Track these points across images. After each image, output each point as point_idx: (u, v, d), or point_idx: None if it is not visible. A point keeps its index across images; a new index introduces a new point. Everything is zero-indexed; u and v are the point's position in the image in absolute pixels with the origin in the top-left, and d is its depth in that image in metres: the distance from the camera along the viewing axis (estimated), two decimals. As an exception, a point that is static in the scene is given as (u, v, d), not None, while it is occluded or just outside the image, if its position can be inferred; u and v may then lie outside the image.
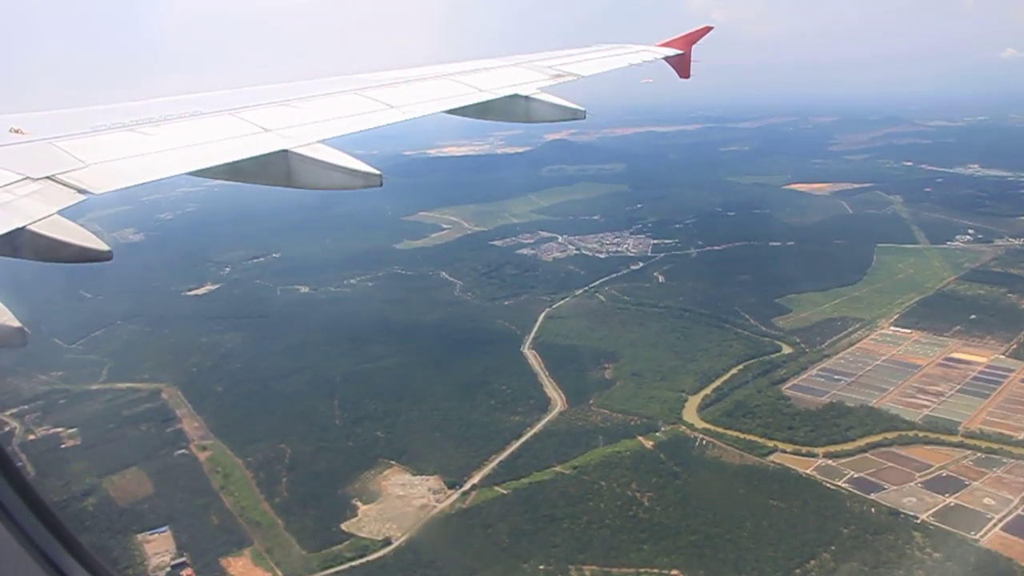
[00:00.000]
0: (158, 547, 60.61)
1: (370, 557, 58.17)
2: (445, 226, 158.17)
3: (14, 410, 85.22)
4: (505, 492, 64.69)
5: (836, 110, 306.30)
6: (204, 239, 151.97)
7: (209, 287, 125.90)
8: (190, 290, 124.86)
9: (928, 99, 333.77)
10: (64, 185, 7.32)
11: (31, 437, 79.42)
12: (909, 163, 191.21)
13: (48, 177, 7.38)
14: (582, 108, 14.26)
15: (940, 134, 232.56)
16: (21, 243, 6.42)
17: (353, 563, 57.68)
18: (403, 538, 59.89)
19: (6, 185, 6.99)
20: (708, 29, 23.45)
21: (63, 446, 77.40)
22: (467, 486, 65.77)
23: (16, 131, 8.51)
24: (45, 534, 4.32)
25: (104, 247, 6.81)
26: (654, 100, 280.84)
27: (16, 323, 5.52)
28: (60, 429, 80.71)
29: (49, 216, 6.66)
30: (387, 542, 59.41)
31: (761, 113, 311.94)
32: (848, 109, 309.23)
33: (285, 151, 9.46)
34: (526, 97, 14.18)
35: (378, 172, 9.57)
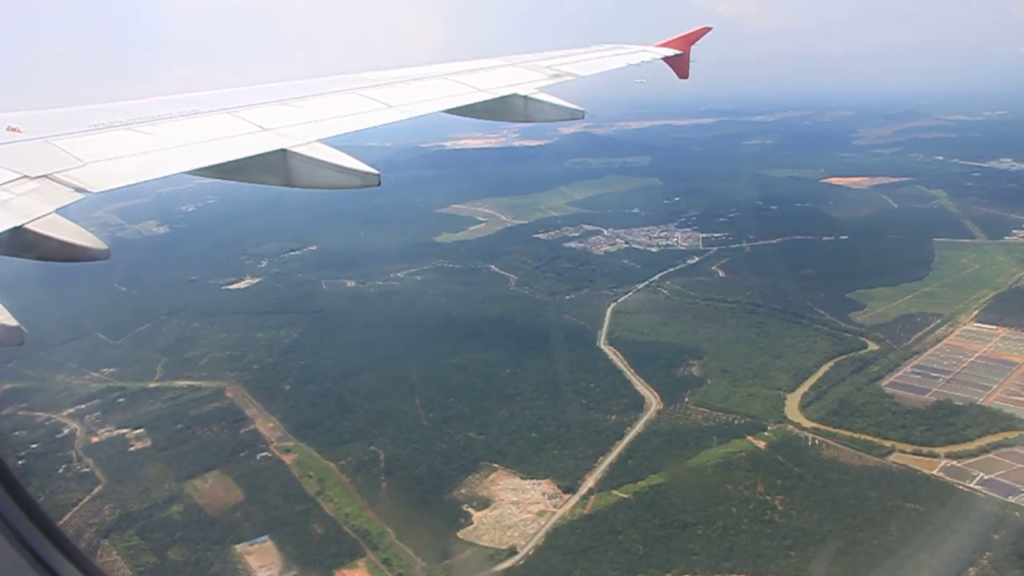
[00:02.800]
0: (262, 559, 56.73)
1: (498, 568, 54.48)
2: (481, 219, 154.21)
3: (70, 410, 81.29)
4: (625, 496, 61.19)
5: (851, 104, 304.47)
6: (232, 231, 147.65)
7: (249, 281, 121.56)
8: (230, 284, 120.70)
9: (943, 93, 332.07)
10: (62, 184, 7.32)
11: (94, 440, 75.23)
12: (940, 157, 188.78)
13: (46, 176, 7.38)
14: (581, 108, 14.24)
15: (963, 128, 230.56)
16: (19, 242, 6.37)
17: (481, 575, 53.90)
18: (529, 547, 56.14)
19: (3, 184, 6.91)
20: (707, 30, 23.53)
21: (131, 449, 73.28)
22: (583, 490, 62.08)
23: (14, 129, 8.43)
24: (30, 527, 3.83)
25: (102, 246, 6.83)
26: (661, 94, 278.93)
27: (12, 321, 5.42)
28: (124, 430, 76.57)
29: (47, 215, 6.64)
30: (512, 551, 55.63)
31: (774, 107, 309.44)
32: (863, 103, 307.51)
33: (283, 150, 9.46)
34: (524, 97, 14.15)
35: (376, 172, 9.54)
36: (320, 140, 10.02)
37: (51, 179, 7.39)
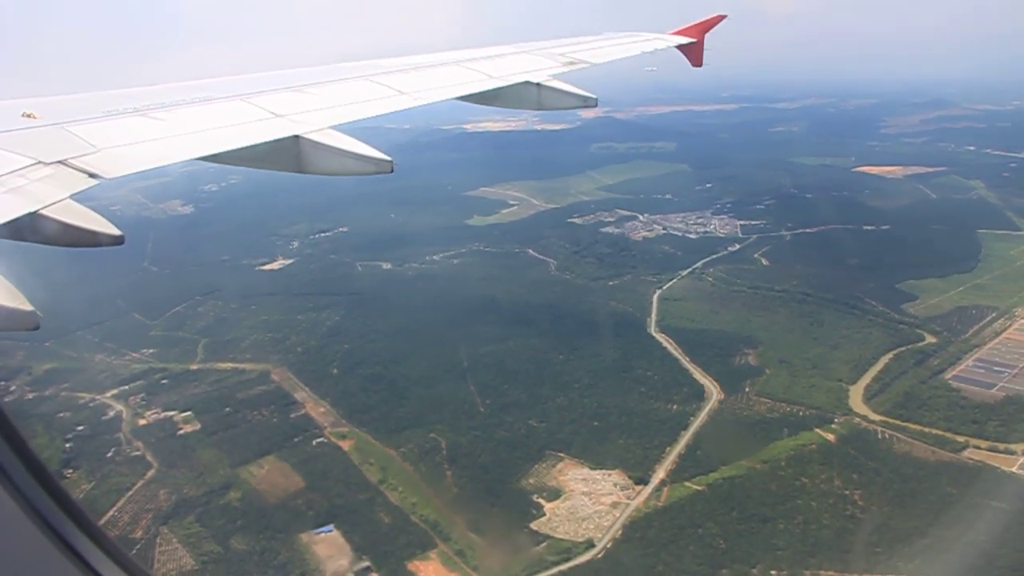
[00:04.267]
0: (330, 549, 55.07)
1: (577, 561, 52.82)
2: (512, 202, 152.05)
3: (114, 391, 79.82)
4: (699, 488, 59.51)
5: (874, 92, 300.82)
6: (259, 212, 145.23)
7: (282, 262, 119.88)
8: (263, 264, 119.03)
9: (965, 81, 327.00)
10: (76, 169, 7.33)
11: (142, 422, 73.70)
12: (972, 147, 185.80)
13: (60, 161, 7.39)
14: (593, 95, 14.10)
15: (992, 118, 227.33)
16: (34, 227, 6.40)
17: (561, 567, 52.24)
18: (606, 539, 54.46)
19: (19, 169, 6.99)
20: (721, 17, 23.20)
21: (180, 432, 71.65)
22: (655, 481, 60.37)
23: (29, 116, 8.47)
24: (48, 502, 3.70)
25: (116, 232, 6.79)
26: (679, 79, 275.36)
27: (28, 306, 5.37)
28: (172, 413, 75.05)
29: (61, 201, 6.67)
30: (590, 544, 53.95)
31: (795, 94, 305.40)
32: (886, 91, 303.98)
33: (296, 137, 9.41)
34: (537, 84, 14.02)
35: (389, 159, 9.50)
36: (333, 127, 9.93)
37: (65, 165, 7.36)
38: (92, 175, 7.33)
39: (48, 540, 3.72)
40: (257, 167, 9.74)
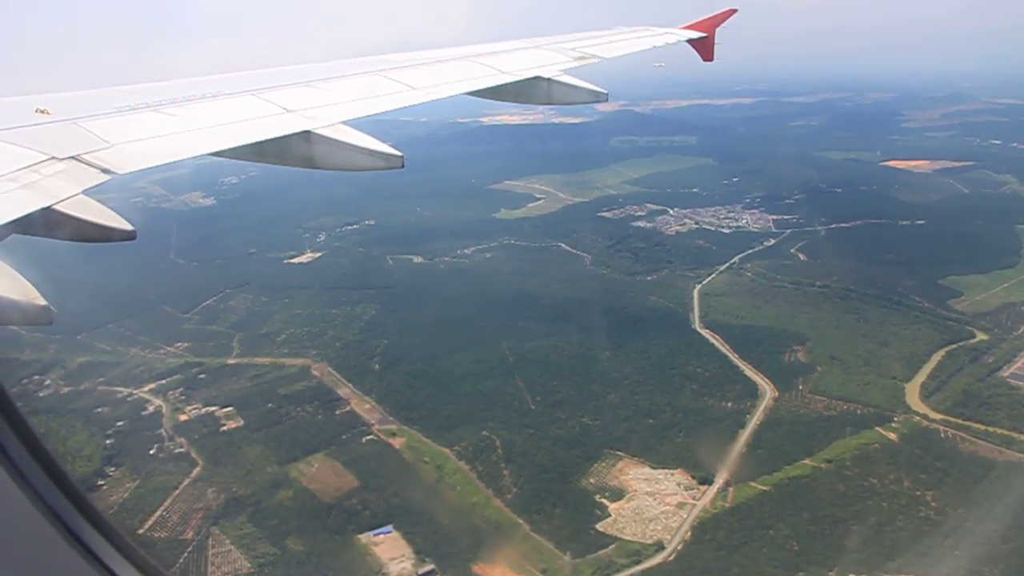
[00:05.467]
0: (390, 550, 53.59)
1: (648, 564, 51.42)
2: (539, 196, 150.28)
3: (151, 385, 78.57)
4: (765, 488, 58.03)
5: (891, 85, 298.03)
6: (282, 204, 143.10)
7: (310, 255, 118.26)
8: (291, 257, 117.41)
9: (981, 74, 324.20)
10: (89, 165, 7.34)
11: (183, 418, 72.28)
12: (998, 141, 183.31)
13: (73, 157, 7.40)
14: (604, 90, 14.10)
15: (1015, 112, 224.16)
16: (48, 222, 6.47)
17: (633, 570, 50.79)
18: (676, 541, 52.97)
19: (32, 165, 6.99)
20: (732, 11, 23.14)
21: (224, 428, 70.14)
22: (719, 481, 58.89)
23: (42, 111, 8.49)
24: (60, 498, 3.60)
25: (128, 227, 7.04)
26: (691, 72, 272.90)
27: (42, 301, 5.47)
28: (213, 408, 73.65)
29: (75, 196, 6.70)
30: (660, 546, 52.46)
31: (811, 87, 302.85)
32: (902, 84, 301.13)
33: (307, 132, 9.41)
34: (548, 79, 14.01)
35: (400, 154, 9.55)
36: (345, 122, 9.90)
37: (78, 160, 7.36)
38: (105, 170, 7.33)
39: (58, 534, 3.50)
40: (269, 162, 9.82)
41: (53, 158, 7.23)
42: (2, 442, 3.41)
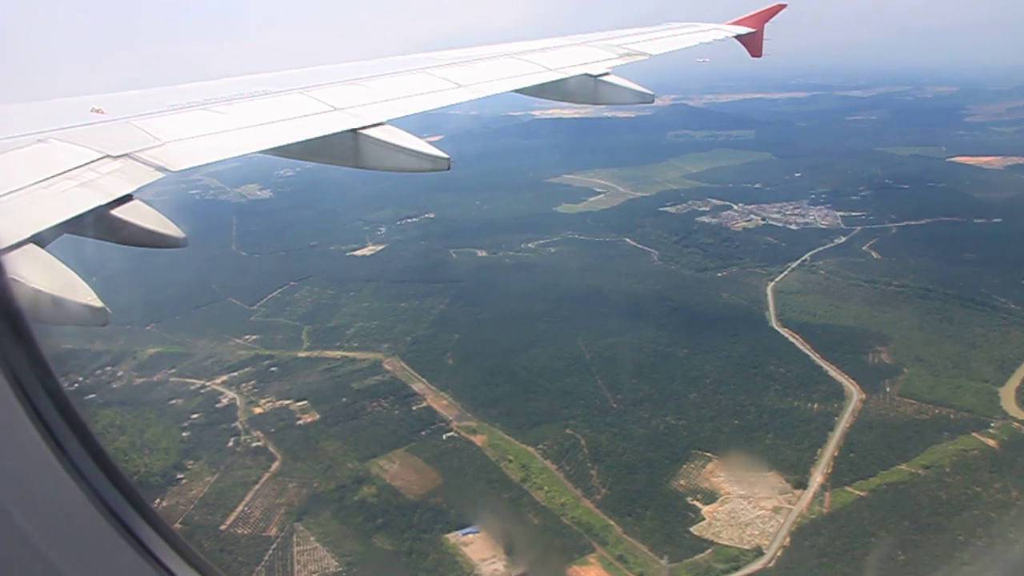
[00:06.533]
0: (480, 551, 52.47)
1: (748, 570, 49.78)
2: (598, 190, 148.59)
3: (223, 377, 78.35)
4: (863, 494, 56.08)
5: (951, 79, 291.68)
6: (338, 196, 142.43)
7: (372, 248, 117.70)
8: (353, 250, 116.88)
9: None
10: (143, 163, 7.48)
11: (257, 411, 71.88)
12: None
13: (127, 155, 7.51)
14: (650, 92, 14.06)
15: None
16: (103, 226, 6.57)
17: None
18: (775, 547, 51.32)
19: (89, 163, 7.13)
20: (781, 6, 22.73)
21: (300, 422, 69.49)
22: (814, 486, 57.08)
23: (97, 111, 8.64)
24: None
25: (180, 234, 6.96)
26: (741, 66, 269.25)
27: (98, 302, 5.52)
28: (287, 402, 73.27)
29: (131, 202, 6.79)
30: (759, 552, 50.86)
31: (867, 81, 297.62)
32: (963, 78, 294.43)
33: (355, 132, 9.43)
34: (595, 79, 13.88)
35: (446, 156, 9.53)
36: (391, 120, 9.91)
37: (132, 158, 7.50)
38: (159, 168, 7.44)
39: (114, 530, 3.48)
40: (316, 161, 9.96)
41: (108, 156, 7.34)
42: (60, 439, 3.29)
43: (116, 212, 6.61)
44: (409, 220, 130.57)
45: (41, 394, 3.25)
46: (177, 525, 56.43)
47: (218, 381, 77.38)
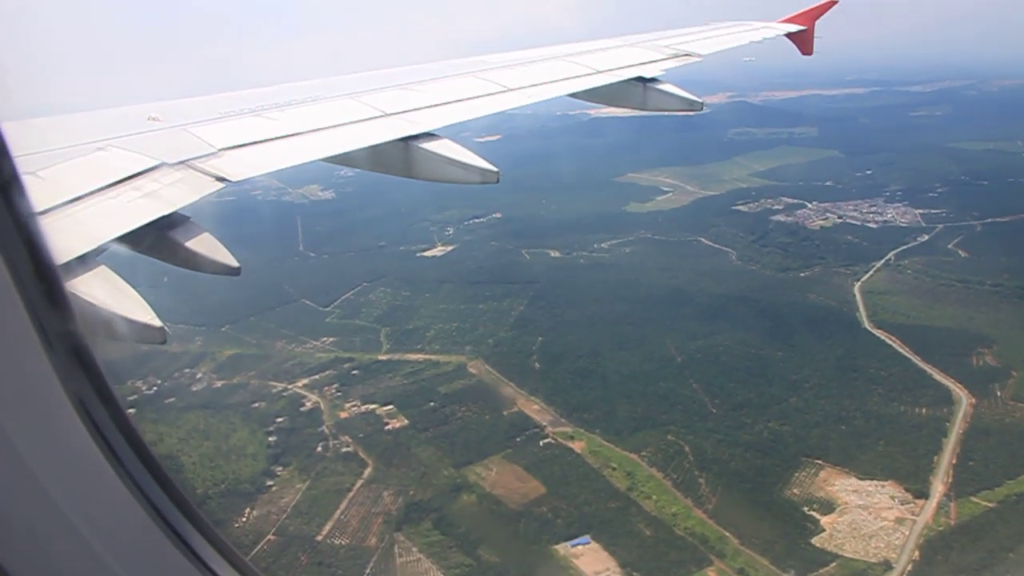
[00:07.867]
0: (593, 563, 50.95)
1: (880, 584, 47.40)
2: (666, 189, 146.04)
3: (304, 380, 77.60)
4: (990, 505, 53.59)
5: (1016, 72, 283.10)
6: (401, 196, 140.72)
7: (442, 248, 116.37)
8: (423, 251, 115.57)
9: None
10: (202, 172, 7.53)
11: (343, 415, 70.96)
12: None
13: (184, 163, 7.59)
14: (699, 99, 14.08)
15: None
16: (162, 246, 6.69)
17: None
18: (903, 561, 48.98)
19: (147, 171, 7.17)
20: (833, 3, 22.28)
21: (388, 427, 68.24)
22: (937, 496, 54.57)
23: (153, 119, 8.77)
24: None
25: (234, 263, 7.05)
26: (789, 62, 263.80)
27: (158, 322, 5.52)
28: (372, 406, 72.20)
29: (199, 232, 6.92)
30: (887, 566, 48.59)
31: (927, 75, 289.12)
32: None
33: (406, 143, 9.44)
34: (644, 85, 13.80)
35: (495, 169, 9.61)
36: (444, 126, 9.98)
37: (189, 167, 7.56)
38: (220, 179, 7.52)
39: (167, 538, 3.53)
40: (368, 169, 10.01)
41: (164, 164, 7.40)
42: (114, 446, 3.29)
43: (186, 242, 6.74)
44: (476, 220, 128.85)
45: (100, 409, 3.16)
46: (271, 536, 56.02)
47: (300, 384, 76.60)
